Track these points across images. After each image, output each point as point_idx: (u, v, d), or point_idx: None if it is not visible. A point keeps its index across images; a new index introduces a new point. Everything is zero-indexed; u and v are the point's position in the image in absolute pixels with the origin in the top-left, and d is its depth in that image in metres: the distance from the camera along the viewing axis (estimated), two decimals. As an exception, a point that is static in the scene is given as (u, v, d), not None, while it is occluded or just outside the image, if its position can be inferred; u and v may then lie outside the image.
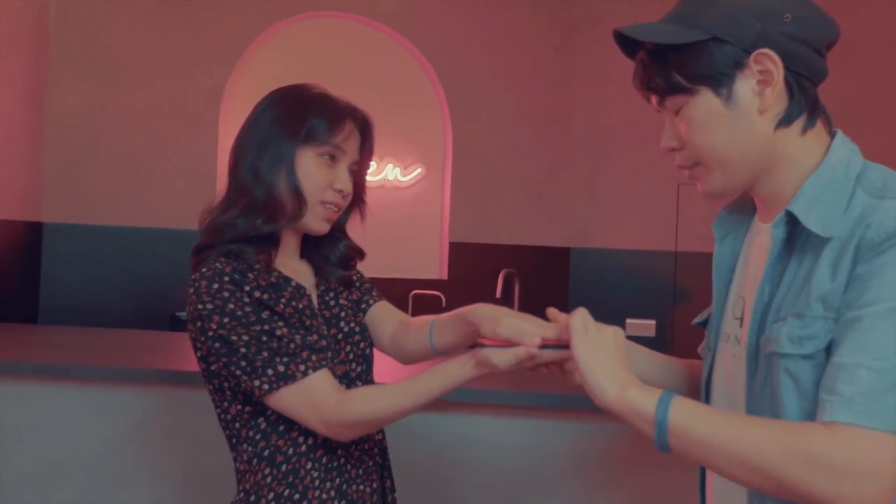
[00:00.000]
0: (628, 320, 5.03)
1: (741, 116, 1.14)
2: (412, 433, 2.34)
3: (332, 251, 1.59)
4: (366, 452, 1.51)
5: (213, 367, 1.42)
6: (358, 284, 1.64)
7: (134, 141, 4.74)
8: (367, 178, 1.65)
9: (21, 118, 4.41)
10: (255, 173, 1.46)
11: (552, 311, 1.32)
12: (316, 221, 1.49)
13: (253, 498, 1.42)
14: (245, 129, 1.51)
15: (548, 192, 5.25)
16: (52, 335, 3.32)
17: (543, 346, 1.26)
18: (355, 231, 1.63)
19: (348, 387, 1.46)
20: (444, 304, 4.61)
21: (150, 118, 4.74)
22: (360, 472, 1.49)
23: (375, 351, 1.62)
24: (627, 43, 1.23)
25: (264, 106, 1.51)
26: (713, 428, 1.06)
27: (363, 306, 1.62)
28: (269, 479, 1.42)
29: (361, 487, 1.48)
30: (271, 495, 1.41)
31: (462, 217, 5.12)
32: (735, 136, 1.15)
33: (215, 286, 1.38)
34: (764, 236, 1.20)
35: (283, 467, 1.42)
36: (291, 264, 1.54)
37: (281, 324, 1.39)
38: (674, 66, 1.16)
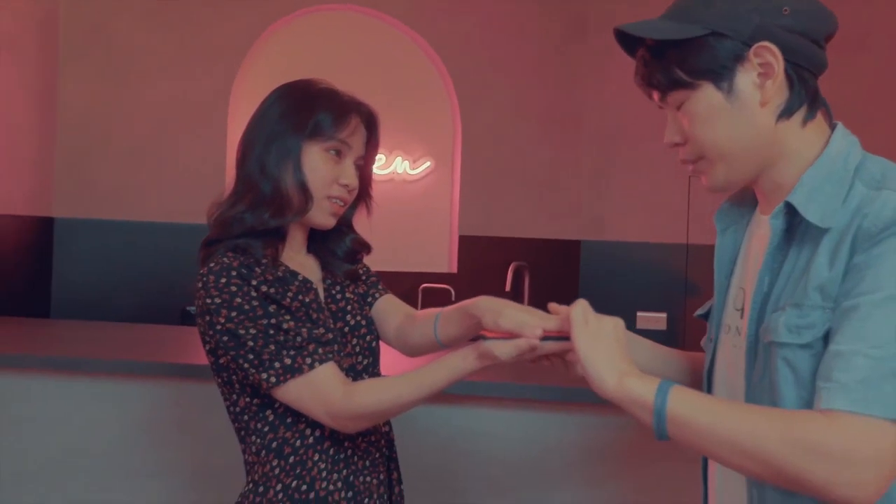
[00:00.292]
0: (639, 313, 5.02)
1: (743, 109, 1.15)
2: (418, 425, 2.35)
3: (338, 245, 1.61)
4: (372, 444, 1.52)
5: (221, 361, 1.44)
6: (364, 278, 1.66)
7: (144, 136, 4.76)
8: (376, 171, 1.66)
9: (31, 115, 4.44)
10: (261, 168, 1.47)
11: (553, 305, 1.34)
12: (322, 216, 1.51)
13: (261, 489, 1.44)
14: (252, 124, 1.53)
15: (558, 185, 5.24)
16: (63, 329, 3.35)
17: (545, 338, 1.28)
18: (362, 225, 1.64)
19: (355, 379, 1.47)
20: (453, 298, 4.62)
21: (159, 113, 4.76)
22: (367, 463, 1.50)
23: (381, 344, 1.64)
24: (628, 40, 1.24)
25: (271, 101, 1.53)
26: (712, 417, 1.07)
27: (369, 300, 1.64)
28: (277, 471, 1.44)
29: (368, 479, 1.50)
30: (279, 486, 1.43)
31: (471, 210, 5.12)
32: (737, 129, 1.16)
33: (223, 280, 1.39)
34: (764, 228, 1.21)
35: (291, 459, 1.44)
36: (298, 258, 1.55)
37: (288, 317, 1.40)
38: (674, 61, 1.17)
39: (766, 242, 1.18)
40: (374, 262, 1.69)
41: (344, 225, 1.60)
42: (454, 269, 5.13)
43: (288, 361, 1.36)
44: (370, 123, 1.56)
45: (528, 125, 5.16)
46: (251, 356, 1.37)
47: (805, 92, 1.16)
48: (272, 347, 1.36)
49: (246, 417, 1.46)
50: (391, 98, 4.85)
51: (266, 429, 1.45)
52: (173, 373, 2.47)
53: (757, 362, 1.17)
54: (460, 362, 1.34)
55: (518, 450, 2.39)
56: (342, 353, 1.49)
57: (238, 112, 4.80)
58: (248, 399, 1.45)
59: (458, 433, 2.40)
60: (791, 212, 1.14)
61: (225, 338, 1.38)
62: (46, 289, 4.64)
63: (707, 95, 1.16)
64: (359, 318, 1.57)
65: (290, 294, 1.45)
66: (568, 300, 1.32)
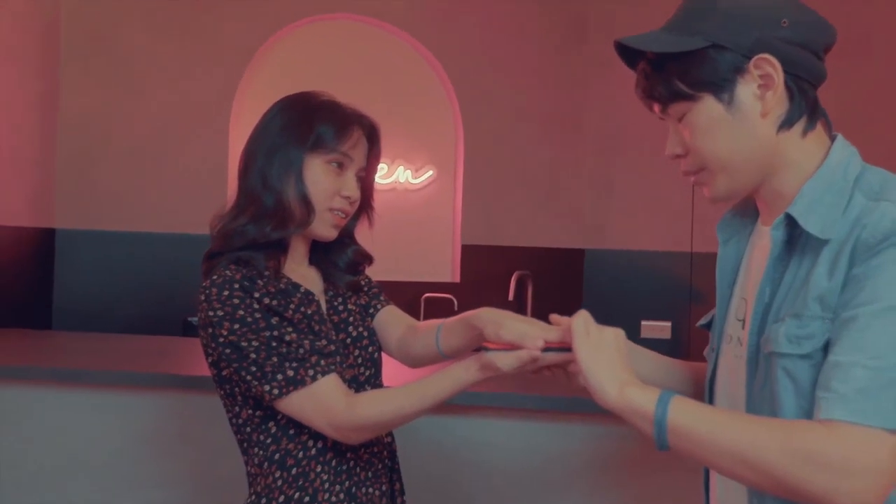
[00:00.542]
0: (643, 322, 5.01)
1: (743, 121, 1.16)
2: (421, 436, 2.35)
3: (340, 257, 1.61)
4: (375, 455, 1.52)
5: (224, 373, 1.44)
6: (366, 289, 1.66)
7: (145, 146, 4.76)
8: (378, 180, 1.68)
9: (33, 124, 4.45)
10: (264, 181, 1.48)
11: (555, 316, 1.34)
12: (324, 228, 1.51)
13: (264, 501, 1.44)
14: (254, 136, 1.53)
15: (561, 194, 5.24)
16: (65, 340, 3.35)
17: (546, 349, 1.28)
18: (364, 235, 1.65)
19: (357, 391, 1.48)
20: (456, 308, 4.61)
21: (161, 123, 4.77)
22: (370, 474, 1.51)
23: (384, 355, 1.64)
24: (628, 53, 1.25)
25: (273, 113, 1.53)
26: (712, 426, 1.07)
27: (371, 311, 1.64)
28: (279, 482, 1.44)
29: (371, 490, 1.50)
30: (282, 498, 1.43)
31: (474, 219, 5.12)
32: (738, 140, 1.17)
33: (225, 293, 1.40)
34: (765, 239, 1.21)
35: (294, 470, 1.44)
36: (300, 270, 1.56)
37: (290, 329, 1.41)
38: (675, 74, 1.18)
39: (768, 253, 1.19)
40: (377, 272, 1.70)
41: (346, 236, 1.61)
42: (457, 279, 5.13)
43: (290, 373, 1.36)
44: (372, 135, 1.57)
45: (531, 133, 5.16)
46: (254, 368, 1.37)
47: (805, 103, 1.17)
48: (275, 359, 1.37)
49: (248, 429, 1.46)
50: (393, 107, 4.85)
51: (269, 440, 1.45)
52: (176, 384, 2.47)
53: (758, 372, 1.18)
54: (463, 373, 1.35)
55: (520, 460, 2.39)
56: (344, 365, 1.49)
57: (240, 123, 4.81)
58: (250, 411, 1.45)
59: (461, 443, 2.40)
60: (791, 223, 1.15)
61: (228, 350, 1.39)
62: (48, 300, 4.65)
63: (708, 107, 1.17)
64: (361, 329, 1.58)
65: (292, 306, 1.46)
66: (571, 309, 1.33)
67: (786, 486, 1.02)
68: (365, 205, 1.60)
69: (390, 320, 1.64)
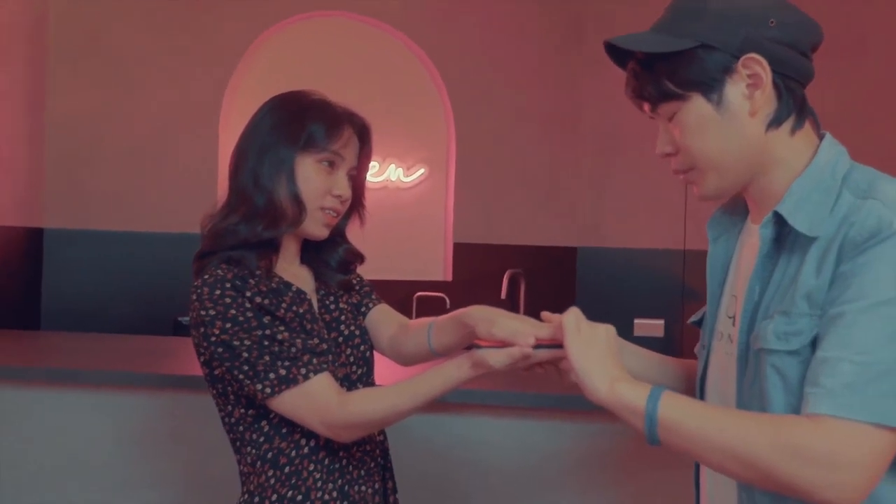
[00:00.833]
0: (636, 320, 5.02)
1: (732, 120, 1.17)
2: (413, 434, 2.36)
3: (331, 256, 1.62)
4: (367, 454, 1.53)
5: (216, 372, 1.44)
6: (357, 288, 1.66)
7: (135, 146, 4.75)
8: (370, 179, 1.68)
9: (21, 124, 4.43)
10: (255, 180, 1.48)
11: (546, 314, 1.35)
12: (315, 227, 1.51)
13: (257, 499, 1.45)
14: (245, 135, 1.54)
15: (553, 192, 5.24)
16: (54, 341, 3.35)
17: (537, 346, 1.29)
18: (355, 234, 1.65)
19: (349, 389, 1.48)
20: (448, 306, 4.61)
21: (150, 122, 4.76)
22: (362, 473, 1.51)
23: (376, 353, 1.64)
24: (618, 53, 1.26)
25: (263, 113, 1.54)
26: (702, 421, 1.09)
27: (363, 309, 1.65)
28: (272, 481, 1.44)
29: (363, 488, 1.51)
30: (275, 496, 1.44)
31: (466, 217, 5.12)
32: (727, 139, 1.18)
33: (217, 292, 1.40)
34: (755, 237, 1.22)
35: (286, 469, 1.44)
36: (292, 269, 1.56)
37: (282, 328, 1.41)
38: (664, 73, 1.19)
39: (757, 251, 1.20)
40: (368, 270, 1.70)
41: (337, 235, 1.61)
42: (449, 277, 5.13)
43: (283, 372, 1.37)
44: (363, 134, 1.57)
45: (523, 131, 5.17)
46: (246, 367, 1.38)
47: (793, 101, 1.18)
48: (267, 358, 1.37)
49: (241, 428, 1.47)
50: (384, 105, 4.85)
51: (261, 439, 1.45)
52: (167, 384, 2.46)
53: (747, 369, 1.19)
54: (454, 371, 1.36)
55: (514, 458, 2.40)
56: (336, 364, 1.50)
57: (230, 120, 4.80)
58: (243, 410, 1.45)
59: (454, 442, 2.41)
60: (780, 221, 1.16)
61: (220, 349, 1.39)
62: (36, 300, 4.63)
63: (697, 106, 1.18)
64: (353, 328, 1.58)
65: (284, 305, 1.46)
66: (564, 307, 1.34)
67: (774, 481, 1.03)
68: (356, 203, 1.60)
69: (382, 319, 1.64)
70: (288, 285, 1.50)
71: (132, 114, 4.74)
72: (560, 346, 1.24)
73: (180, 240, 4.41)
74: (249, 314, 1.39)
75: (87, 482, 2.52)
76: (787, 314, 1.11)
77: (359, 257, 1.65)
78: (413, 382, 1.38)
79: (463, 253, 5.11)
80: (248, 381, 1.38)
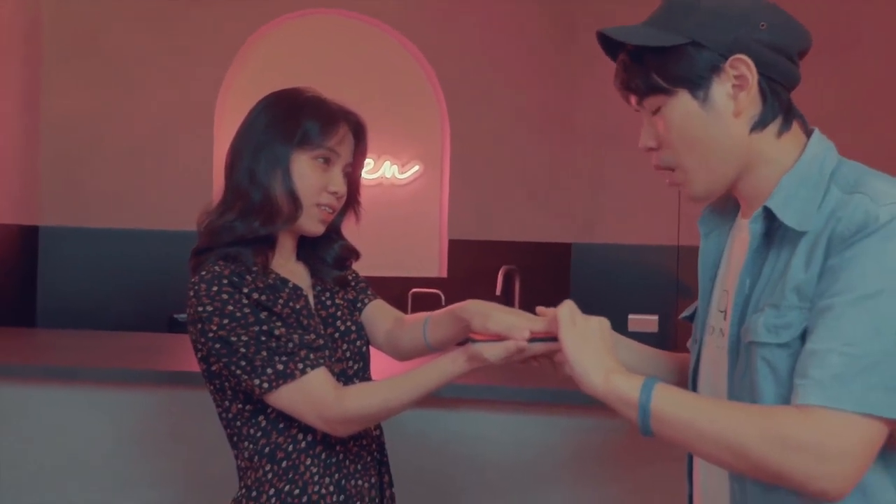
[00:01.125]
0: (630, 316, 5.02)
1: (717, 119, 1.19)
2: (410, 429, 2.37)
3: (327, 252, 1.62)
4: (364, 448, 1.54)
5: (213, 368, 1.45)
6: (353, 284, 1.67)
7: (129, 142, 4.75)
8: (365, 176, 1.68)
9: (16, 121, 4.43)
10: (251, 177, 1.49)
11: (541, 308, 1.36)
12: (311, 223, 1.52)
13: (254, 493, 1.46)
14: (240, 133, 1.54)
15: (548, 188, 5.25)
16: (50, 338, 3.35)
17: (532, 340, 1.30)
18: (351, 231, 1.66)
19: (346, 384, 1.49)
20: (443, 303, 4.62)
21: (145, 119, 4.76)
22: (359, 467, 1.52)
23: (372, 349, 1.65)
24: (610, 44, 1.27)
25: (259, 110, 1.54)
26: (694, 413, 1.10)
27: (359, 305, 1.66)
28: (269, 476, 1.45)
29: (360, 482, 1.51)
30: (272, 491, 1.45)
31: (461, 214, 5.13)
32: (711, 137, 1.20)
33: (214, 289, 1.41)
34: (745, 232, 1.24)
35: (284, 464, 1.45)
36: (288, 266, 1.57)
37: (279, 324, 1.42)
38: (653, 67, 1.20)
39: (747, 246, 1.21)
40: (364, 267, 1.71)
41: (333, 232, 1.62)
42: (444, 274, 5.14)
43: (280, 367, 1.38)
44: (358, 131, 1.58)
45: (517, 127, 5.17)
46: (243, 363, 1.39)
47: (778, 105, 1.20)
48: (264, 354, 1.38)
49: (238, 423, 1.48)
50: (379, 102, 4.85)
51: (259, 434, 1.46)
52: (164, 380, 2.47)
53: (738, 362, 1.20)
54: (450, 365, 1.37)
55: (510, 452, 2.41)
56: (333, 359, 1.51)
57: (225, 117, 4.80)
58: (240, 405, 1.46)
59: (450, 436, 2.42)
60: (769, 216, 1.18)
61: (217, 345, 1.40)
62: (32, 298, 4.63)
63: (683, 102, 1.20)
64: (349, 323, 1.59)
65: (280, 301, 1.47)
66: (559, 303, 1.34)
67: (765, 471, 1.05)
68: (351, 200, 1.61)
69: (378, 314, 1.65)
70: (284, 281, 1.51)
71: (127, 112, 4.74)
72: (555, 339, 1.25)
73: (175, 237, 4.41)
74: (247, 310, 1.40)
75: (83, 480, 2.53)
76: (777, 307, 1.12)
77: (354, 253, 1.66)
78: (409, 377, 1.39)
79: (458, 249, 5.12)
80: (246, 377, 1.39)
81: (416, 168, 5.24)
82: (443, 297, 4.70)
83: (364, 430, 1.52)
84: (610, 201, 5.28)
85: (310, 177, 1.49)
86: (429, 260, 5.26)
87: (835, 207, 1.11)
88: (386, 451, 1.61)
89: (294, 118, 1.50)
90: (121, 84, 4.73)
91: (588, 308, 1.28)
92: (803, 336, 1.10)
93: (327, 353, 1.49)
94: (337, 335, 1.56)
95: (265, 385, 1.38)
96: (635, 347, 1.47)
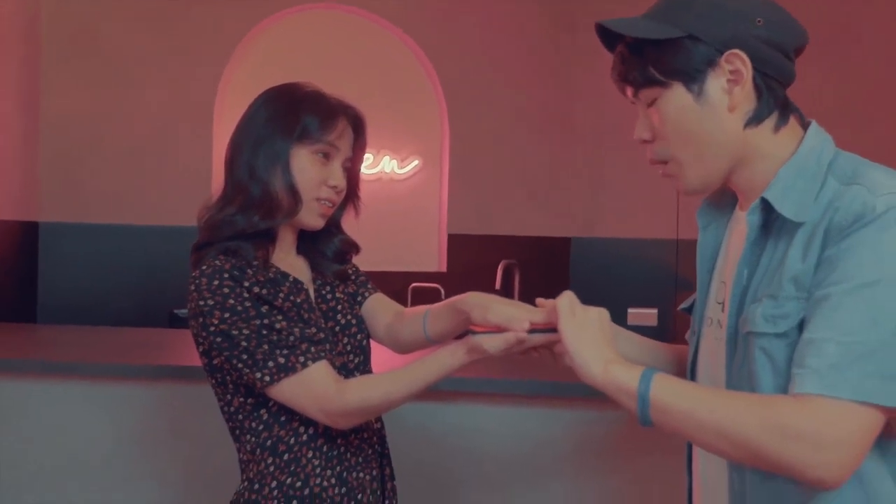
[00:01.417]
0: (630, 309, 5.02)
1: (711, 113, 1.20)
2: (410, 422, 2.38)
3: (327, 246, 1.63)
4: (365, 441, 1.55)
5: (215, 362, 1.46)
6: (353, 278, 1.68)
7: (129, 139, 4.75)
8: (364, 170, 1.69)
9: (16, 118, 4.43)
10: (251, 171, 1.49)
11: (540, 300, 1.37)
12: (311, 217, 1.53)
13: (257, 486, 1.47)
14: (240, 128, 1.55)
15: (547, 183, 5.25)
16: (50, 334, 3.35)
17: (532, 331, 1.31)
18: (350, 225, 1.67)
19: (346, 377, 1.50)
20: (443, 297, 4.60)
21: (144, 115, 4.76)
22: (360, 459, 1.53)
23: (372, 342, 1.66)
24: (608, 36, 1.28)
25: (258, 105, 1.55)
26: (693, 402, 1.11)
27: (359, 299, 1.66)
28: (271, 468, 1.46)
29: (361, 475, 1.52)
30: (274, 483, 1.45)
31: (460, 209, 5.13)
32: (705, 130, 1.20)
33: (215, 283, 1.42)
34: (743, 224, 1.24)
35: (286, 456, 1.46)
36: (288, 260, 1.57)
37: (280, 318, 1.43)
38: (650, 60, 1.21)
39: (745, 237, 1.22)
40: (363, 262, 1.72)
41: (333, 226, 1.62)
42: (443, 268, 5.14)
43: (281, 360, 1.38)
44: (357, 126, 1.58)
45: (517, 122, 5.18)
46: (245, 356, 1.39)
47: (773, 101, 1.21)
48: (265, 347, 1.39)
49: (240, 417, 1.48)
50: (378, 97, 4.85)
51: (260, 427, 1.47)
52: (164, 375, 2.48)
53: (736, 352, 1.21)
54: (450, 357, 1.37)
55: (509, 445, 2.42)
56: (333, 353, 1.51)
57: (224, 113, 4.80)
58: (242, 399, 1.47)
59: (450, 429, 2.42)
60: (767, 207, 1.18)
61: (219, 339, 1.40)
62: (33, 293, 4.64)
63: (677, 95, 1.20)
64: (349, 317, 1.60)
65: (281, 295, 1.48)
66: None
67: (763, 459, 1.06)
68: (351, 194, 1.62)
69: (378, 308, 1.66)
70: (285, 275, 1.52)
71: (125, 109, 4.74)
72: (554, 329, 1.25)
73: (175, 233, 4.41)
74: (248, 304, 1.41)
75: (84, 475, 2.53)
76: (775, 297, 1.13)
77: (354, 247, 1.67)
78: (409, 369, 1.39)
79: (457, 244, 5.12)
80: (248, 370, 1.39)
81: (416, 163, 5.24)
82: (442, 292, 4.71)
83: (365, 423, 1.53)
84: (609, 200, 5.28)
85: (309, 171, 1.50)
86: (428, 254, 5.27)
87: (832, 198, 1.12)
88: (387, 444, 1.62)
89: (293, 112, 1.50)
90: (120, 82, 4.73)
91: (588, 301, 1.29)
92: (801, 326, 1.10)
93: (328, 346, 1.49)
94: (337, 329, 1.57)
95: (267, 378, 1.38)
96: (635, 339, 1.48)
